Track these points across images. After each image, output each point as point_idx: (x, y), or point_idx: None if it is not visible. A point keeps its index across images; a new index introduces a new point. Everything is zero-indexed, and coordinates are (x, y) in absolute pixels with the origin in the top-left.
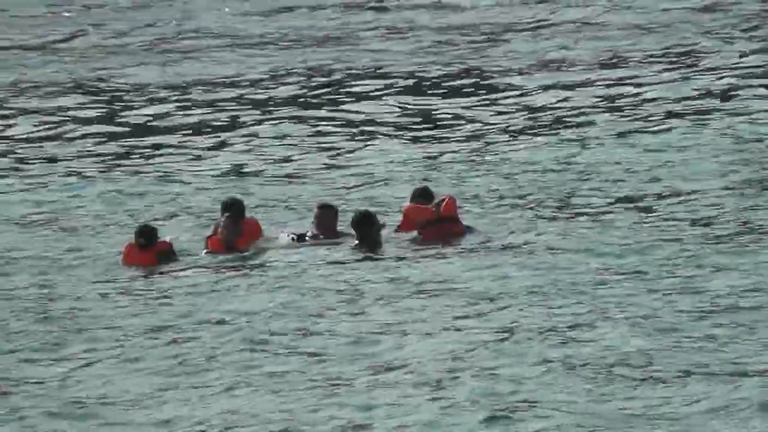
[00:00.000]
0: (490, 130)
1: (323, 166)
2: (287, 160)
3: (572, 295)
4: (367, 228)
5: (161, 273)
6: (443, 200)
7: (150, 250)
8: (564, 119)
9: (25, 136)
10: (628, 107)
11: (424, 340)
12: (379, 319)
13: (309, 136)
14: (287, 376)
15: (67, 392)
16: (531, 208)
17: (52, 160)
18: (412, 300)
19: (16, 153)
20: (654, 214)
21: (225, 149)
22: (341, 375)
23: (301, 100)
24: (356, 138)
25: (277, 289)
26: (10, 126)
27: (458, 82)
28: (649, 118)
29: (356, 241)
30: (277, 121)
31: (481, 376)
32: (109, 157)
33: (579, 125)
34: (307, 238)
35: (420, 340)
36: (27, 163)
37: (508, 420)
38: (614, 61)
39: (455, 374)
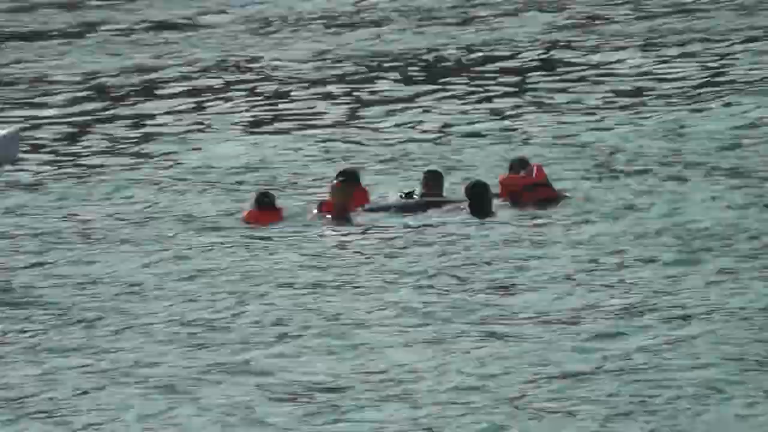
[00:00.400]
0: (578, 106)
1: (430, 137)
2: (395, 132)
3: (672, 255)
4: (480, 196)
5: (281, 231)
6: (532, 168)
7: (270, 212)
8: (659, 93)
9: (169, 107)
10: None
11: (543, 298)
12: (495, 278)
13: (417, 108)
14: (405, 334)
15: (192, 338)
16: (622, 177)
17: (182, 131)
18: (527, 261)
19: (161, 123)
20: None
21: (340, 122)
22: (456, 333)
23: (410, 77)
24: (459, 111)
25: (393, 250)
26: (156, 96)
27: (554, 58)
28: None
29: (468, 208)
30: (387, 96)
31: (604, 334)
32: (241, 126)
33: (676, 97)
34: (415, 195)
35: (539, 298)
36: (169, 132)
37: (628, 377)
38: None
39: (572, 329)
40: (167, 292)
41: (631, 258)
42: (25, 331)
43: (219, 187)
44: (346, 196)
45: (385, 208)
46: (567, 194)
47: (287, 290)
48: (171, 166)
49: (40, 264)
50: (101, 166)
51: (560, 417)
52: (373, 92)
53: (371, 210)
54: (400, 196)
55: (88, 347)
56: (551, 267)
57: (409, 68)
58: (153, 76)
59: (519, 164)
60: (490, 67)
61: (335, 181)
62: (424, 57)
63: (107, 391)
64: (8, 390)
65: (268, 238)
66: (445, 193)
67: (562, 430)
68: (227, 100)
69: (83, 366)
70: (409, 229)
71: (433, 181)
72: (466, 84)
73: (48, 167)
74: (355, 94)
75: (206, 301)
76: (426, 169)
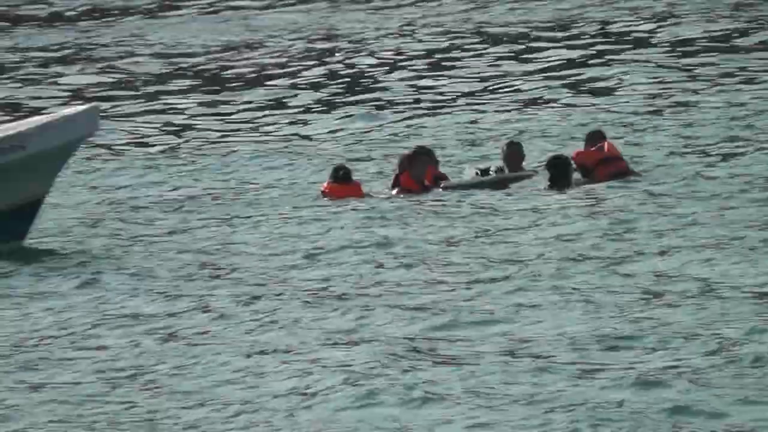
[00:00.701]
0: (664, 81)
1: (510, 110)
2: (477, 106)
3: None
4: (560, 170)
5: (363, 204)
6: (603, 143)
7: (347, 186)
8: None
9: (264, 81)
10: None
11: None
12: (578, 252)
13: (498, 83)
14: (492, 311)
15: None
16: (704, 155)
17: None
18: (608, 235)
19: (263, 101)
20: None
21: (424, 96)
22: (541, 306)
23: (498, 51)
24: (537, 89)
25: (473, 224)
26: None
27: (648, 31)
28: None
29: (547, 182)
30: (472, 71)
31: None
32: (334, 100)
33: None
34: (491, 172)
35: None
36: (261, 106)
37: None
38: None
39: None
40: (258, 264)
41: (709, 237)
42: (130, 300)
43: (311, 160)
44: (424, 168)
45: (462, 186)
46: (640, 170)
47: (370, 265)
48: (264, 139)
49: (136, 235)
50: (190, 139)
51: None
52: (459, 67)
53: (448, 188)
54: (476, 173)
55: (201, 315)
56: (632, 242)
57: (499, 43)
58: (252, 50)
59: (595, 137)
60: (577, 39)
61: (406, 154)
62: (519, 31)
63: (227, 356)
64: (121, 360)
65: (347, 213)
66: (524, 164)
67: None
68: (322, 73)
69: (205, 333)
70: (488, 203)
71: (513, 153)
72: (551, 57)
73: (138, 140)
74: (441, 67)
75: (292, 272)
76: (507, 140)
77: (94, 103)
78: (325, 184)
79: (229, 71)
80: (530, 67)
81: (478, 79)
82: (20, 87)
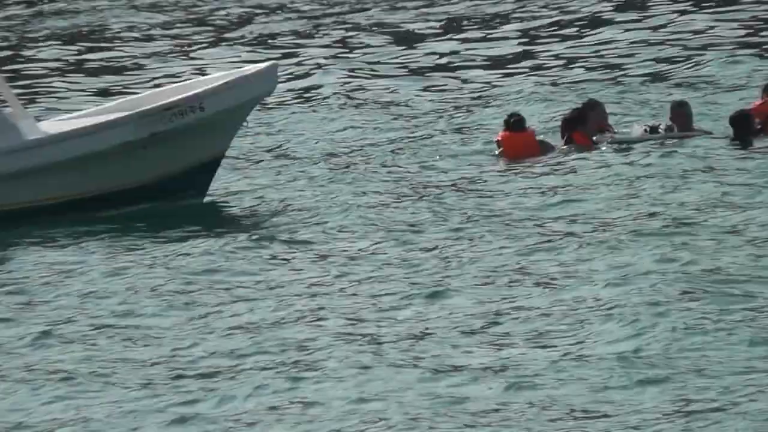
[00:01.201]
0: None
1: (680, 66)
2: (641, 64)
3: None
4: (743, 127)
5: (541, 162)
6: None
7: (520, 133)
8: None
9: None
10: None
11: None
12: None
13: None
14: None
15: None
16: None
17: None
18: None
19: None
20: None
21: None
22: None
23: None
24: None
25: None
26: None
27: None
28: None
29: (731, 138)
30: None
31: None
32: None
33: None
34: (660, 129)
35: None
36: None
37: None
38: None
39: None
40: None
41: None
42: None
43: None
44: (595, 125)
45: (629, 141)
46: None
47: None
48: (442, 96)
49: (309, 190)
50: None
51: None
52: (635, 21)
53: (615, 142)
54: (645, 130)
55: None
56: None
57: None
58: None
59: None
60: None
61: (577, 111)
62: None
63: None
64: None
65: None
66: (695, 125)
67: None
68: (499, 35)
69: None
70: (666, 160)
71: (680, 113)
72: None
73: (315, 95)
74: (613, 23)
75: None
76: (673, 100)
77: (272, 62)
78: (500, 133)
79: (414, 27)
80: (712, 20)
81: (653, 34)
82: (197, 50)
